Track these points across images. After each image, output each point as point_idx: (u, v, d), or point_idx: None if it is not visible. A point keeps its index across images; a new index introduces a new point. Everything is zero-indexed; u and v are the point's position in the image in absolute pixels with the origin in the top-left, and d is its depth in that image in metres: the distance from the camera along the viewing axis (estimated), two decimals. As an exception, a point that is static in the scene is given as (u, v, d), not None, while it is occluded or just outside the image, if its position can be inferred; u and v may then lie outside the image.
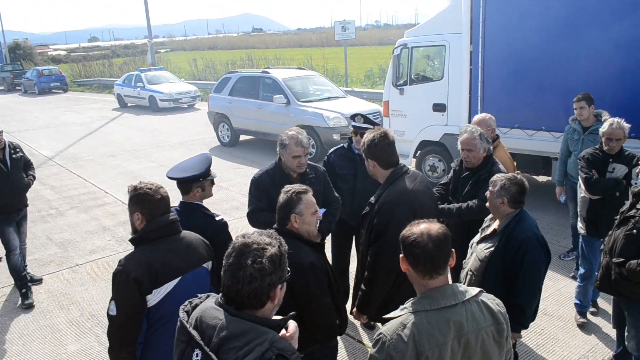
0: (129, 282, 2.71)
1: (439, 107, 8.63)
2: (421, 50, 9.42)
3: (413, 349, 2.03)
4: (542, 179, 9.07)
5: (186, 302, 2.04)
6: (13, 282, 6.35)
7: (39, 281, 6.50)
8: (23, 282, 6.05)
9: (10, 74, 37.03)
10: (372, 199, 3.53)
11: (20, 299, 6.03)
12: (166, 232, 2.90)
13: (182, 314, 1.98)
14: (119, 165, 12.53)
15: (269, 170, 4.25)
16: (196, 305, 2.01)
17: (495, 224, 3.44)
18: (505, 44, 7.35)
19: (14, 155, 5.94)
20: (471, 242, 3.62)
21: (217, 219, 3.52)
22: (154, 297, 2.76)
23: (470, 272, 3.43)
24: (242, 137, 14.21)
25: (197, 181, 3.53)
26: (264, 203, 4.16)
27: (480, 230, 3.60)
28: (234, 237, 1.99)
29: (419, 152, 9.21)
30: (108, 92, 30.16)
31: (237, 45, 66.99)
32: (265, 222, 3.92)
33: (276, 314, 1.96)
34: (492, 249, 3.32)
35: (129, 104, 23.42)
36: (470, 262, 3.46)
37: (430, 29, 8.85)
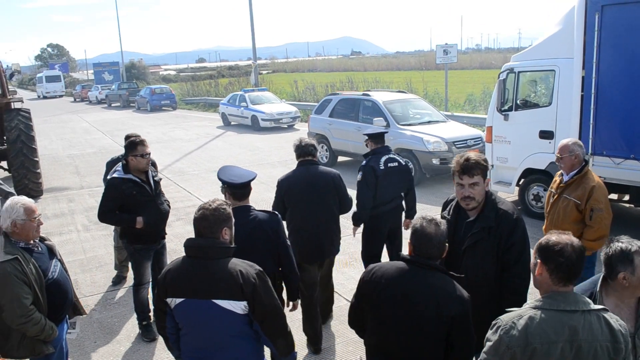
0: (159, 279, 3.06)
1: (546, 135, 8.30)
2: (528, 75, 9.14)
3: (523, 338, 2.22)
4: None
5: None
6: (127, 285, 6.78)
7: None
8: (145, 315, 5.54)
9: (126, 92, 40.02)
10: (484, 223, 3.31)
11: (140, 331, 5.65)
12: (193, 253, 2.93)
13: None
14: (221, 181, 13.03)
15: None
16: None
17: None
18: (622, 69, 6.97)
19: (155, 178, 5.36)
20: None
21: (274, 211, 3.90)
22: (170, 303, 2.98)
23: None
24: (340, 158, 14.40)
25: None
26: None
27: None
28: None
29: (522, 180, 8.89)
30: (213, 111, 31.64)
31: (336, 68, 68.12)
32: None
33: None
34: None
35: (232, 123, 24.42)
36: None
37: (538, 53, 8.56)
